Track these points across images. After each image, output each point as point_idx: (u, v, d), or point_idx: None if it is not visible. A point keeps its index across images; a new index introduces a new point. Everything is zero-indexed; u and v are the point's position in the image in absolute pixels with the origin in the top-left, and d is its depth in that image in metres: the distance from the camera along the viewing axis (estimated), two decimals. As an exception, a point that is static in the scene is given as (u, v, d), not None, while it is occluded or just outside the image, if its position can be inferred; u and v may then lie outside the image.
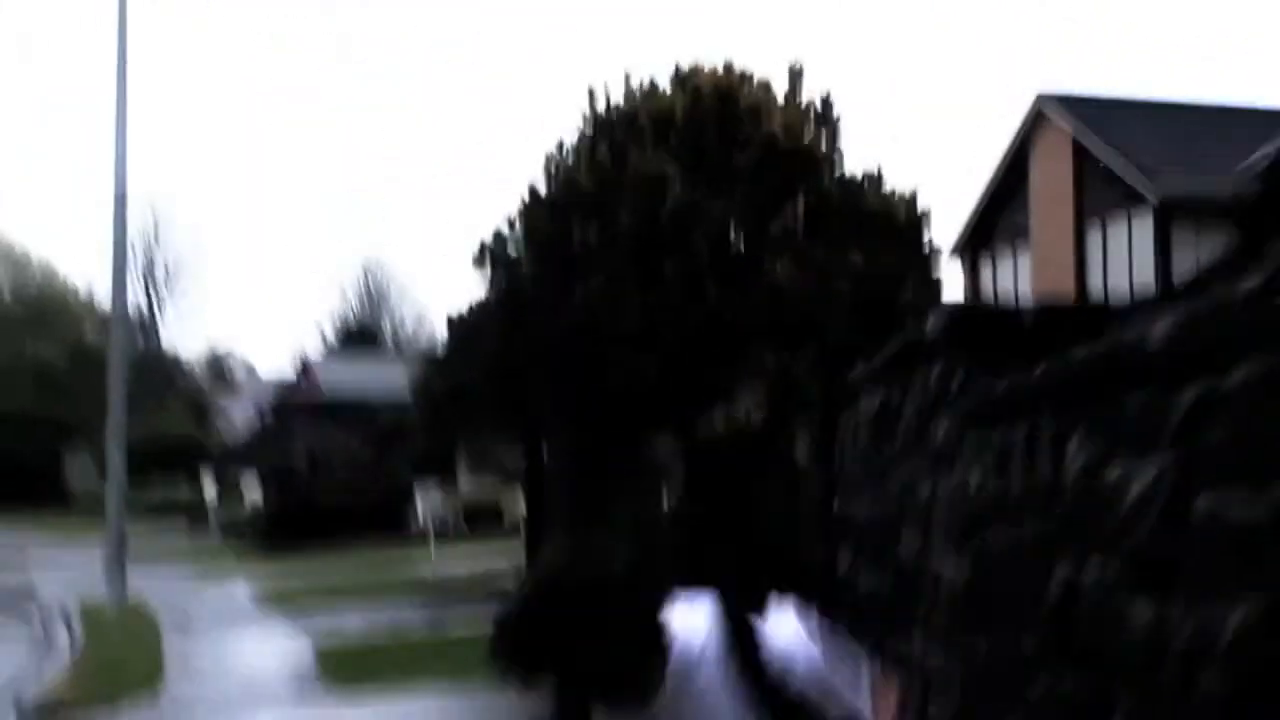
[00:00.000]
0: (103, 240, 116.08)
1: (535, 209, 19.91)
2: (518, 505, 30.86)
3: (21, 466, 59.33)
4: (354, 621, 21.69)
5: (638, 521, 17.44)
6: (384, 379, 65.63)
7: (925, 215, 19.29)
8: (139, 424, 57.38)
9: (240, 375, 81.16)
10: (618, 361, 18.37)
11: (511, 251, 20.37)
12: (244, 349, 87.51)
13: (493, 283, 20.80)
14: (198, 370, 74.67)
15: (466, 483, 38.80)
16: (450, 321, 23.15)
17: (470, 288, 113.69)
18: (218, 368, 77.16)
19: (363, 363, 69.26)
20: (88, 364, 62.11)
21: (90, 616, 22.47)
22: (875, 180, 19.43)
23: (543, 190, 20.25)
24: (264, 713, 15.04)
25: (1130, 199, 27.30)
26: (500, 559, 27.48)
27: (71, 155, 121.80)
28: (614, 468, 19.13)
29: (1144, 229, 27.07)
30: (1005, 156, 32.24)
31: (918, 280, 18.55)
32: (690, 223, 18.17)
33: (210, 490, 45.70)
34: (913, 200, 19.44)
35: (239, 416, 68.80)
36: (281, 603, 24.77)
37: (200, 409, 67.75)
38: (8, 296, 77.28)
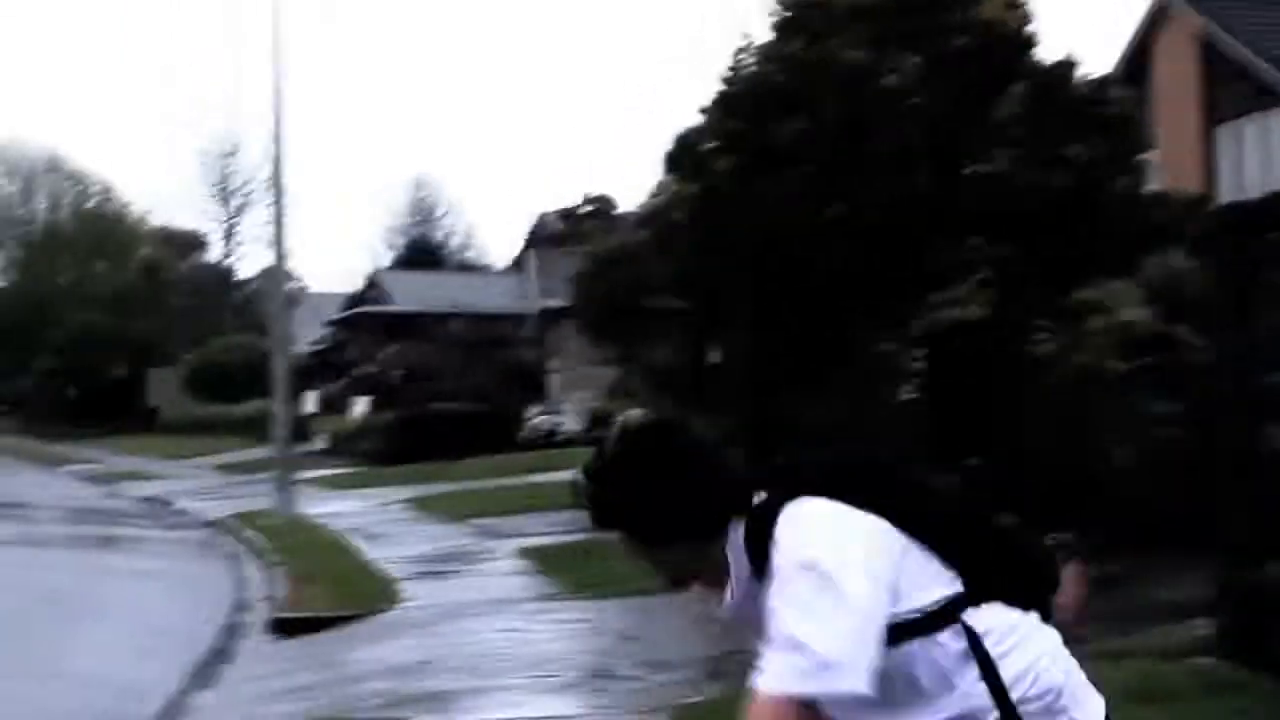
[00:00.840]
0: (160, 157, 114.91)
1: (728, 105, 19.48)
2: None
3: (103, 385, 59.47)
4: (533, 524, 21.54)
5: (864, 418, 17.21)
6: (450, 292, 65.69)
7: (1128, 101, 18.87)
8: (219, 341, 57.50)
9: (299, 291, 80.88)
10: (824, 254, 18.03)
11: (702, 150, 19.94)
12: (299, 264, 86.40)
13: (678, 184, 20.39)
14: (261, 287, 74.34)
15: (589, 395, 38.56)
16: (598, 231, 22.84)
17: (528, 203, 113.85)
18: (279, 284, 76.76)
19: (429, 277, 69.13)
20: (159, 283, 62.11)
21: (266, 529, 22.34)
22: (1072, 67, 18.99)
23: (731, 87, 19.81)
24: (513, 612, 14.84)
25: (1263, 97, 26.70)
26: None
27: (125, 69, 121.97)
28: (821, 366, 18.79)
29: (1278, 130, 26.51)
30: (1123, 57, 31.51)
31: (1130, 171, 18.17)
32: (899, 112, 17.77)
33: (309, 405, 45.51)
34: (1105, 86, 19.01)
35: (305, 333, 68.71)
36: (440, 509, 24.65)
37: (269, 326, 67.54)
38: (65, 215, 76.95)
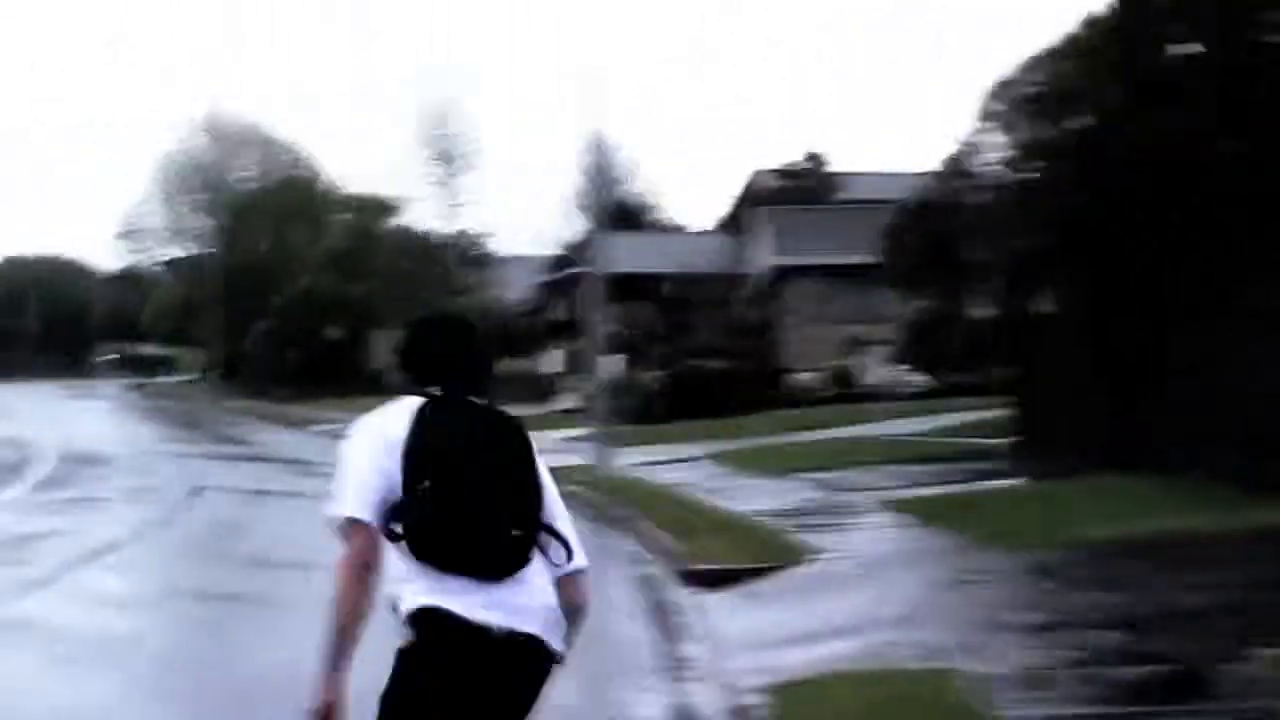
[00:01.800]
0: (361, 124, 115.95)
1: (1098, 45, 18.48)
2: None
3: (323, 348, 59.89)
4: (868, 479, 20.84)
5: None
6: (660, 253, 65.15)
7: None
8: (447, 304, 57.47)
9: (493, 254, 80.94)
10: (1220, 197, 17.00)
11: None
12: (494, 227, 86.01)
13: (1027, 134, 19.42)
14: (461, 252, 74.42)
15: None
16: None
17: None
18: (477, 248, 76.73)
19: (638, 238, 68.70)
20: (372, 248, 62.38)
21: (596, 485, 21.78)
22: None
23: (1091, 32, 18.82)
24: (942, 565, 14.06)
25: None
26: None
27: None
28: (1198, 307, 17.76)
29: None
30: None
31: None
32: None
33: (556, 364, 45.37)
34: None
35: (510, 296, 68.85)
36: (752, 464, 24.04)
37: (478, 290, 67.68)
38: (266, 184, 77.73)
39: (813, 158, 59.81)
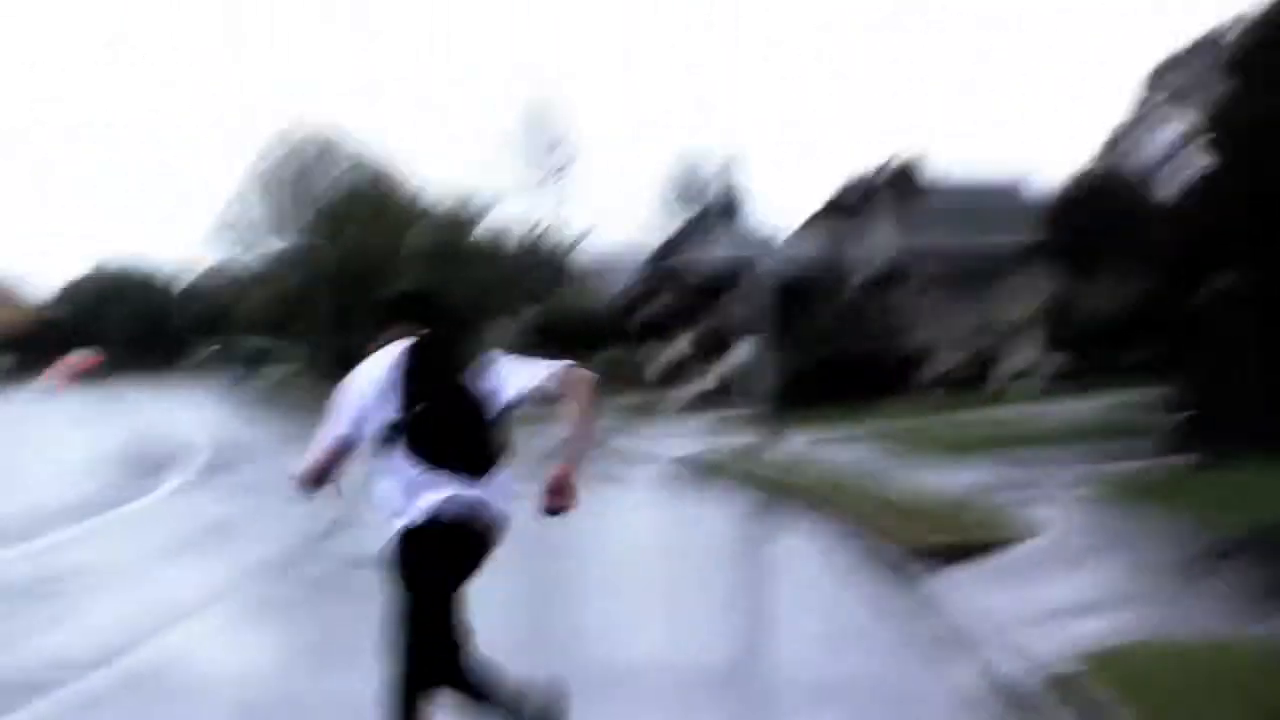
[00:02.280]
0: (441, 130, 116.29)
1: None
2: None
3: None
4: (1043, 458, 20.70)
5: None
6: (753, 248, 65.02)
7: None
8: (554, 299, 57.72)
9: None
10: None
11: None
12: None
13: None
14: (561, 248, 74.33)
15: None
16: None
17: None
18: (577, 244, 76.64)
19: (731, 234, 68.63)
20: (471, 245, 62.59)
21: (770, 467, 21.79)
22: None
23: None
24: (1150, 543, 13.94)
25: None
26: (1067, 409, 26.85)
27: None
28: None
29: None
30: None
31: None
32: None
33: (679, 353, 45.42)
34: None
35: (612, 290, 69.00)
36: (916, 446, 23.95)
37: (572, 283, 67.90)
38: (346, 192, 78.14)
39: (920, 147, 59.47)
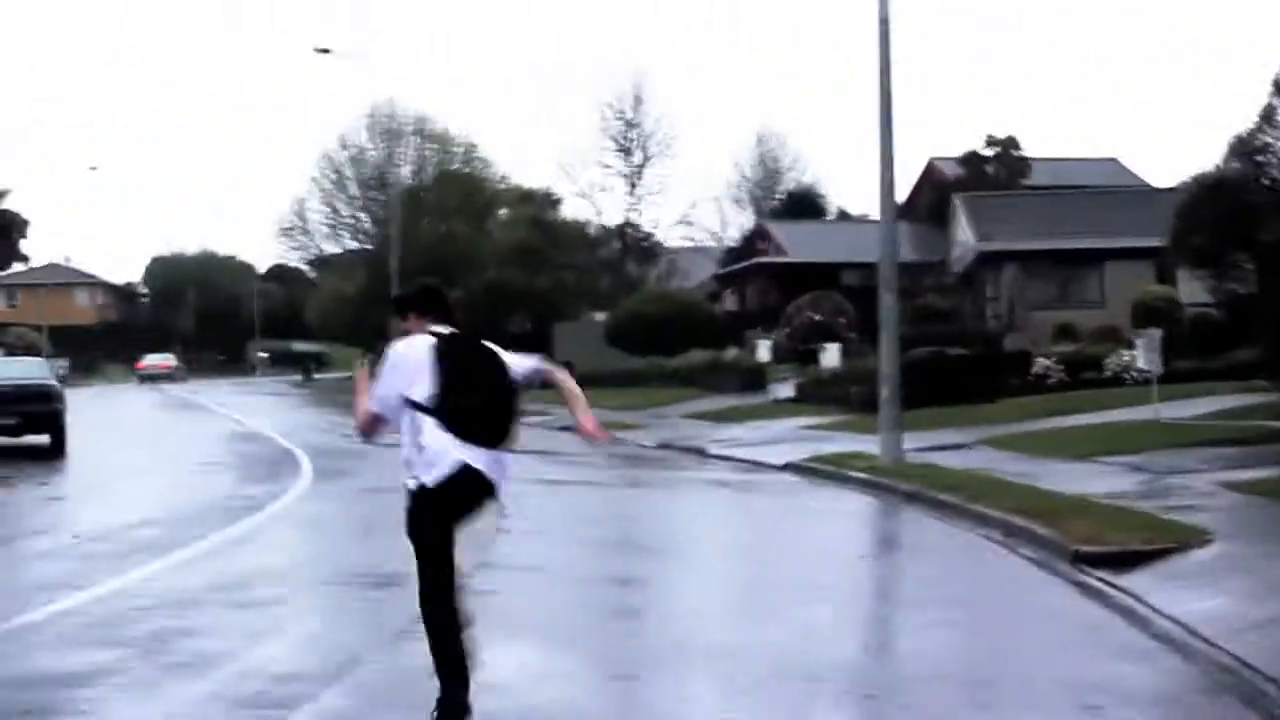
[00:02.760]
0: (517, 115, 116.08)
1: None
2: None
3: (509, 340, 60.18)
4: (1180, 462, 20.48)
5: None
6: (839, 241, 64.90)
7: None
8: (638, 295, 57.57)
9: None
10: None
11: None
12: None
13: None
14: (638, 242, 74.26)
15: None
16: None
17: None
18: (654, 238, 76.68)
19: (815, 226, 68.52)
20: (552, 239, 62.58)
21: (905, 473, 21.62)
22: None
23: None
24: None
25: None
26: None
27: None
28: None
29: None
30: None
31: None
32: None
33: (764, 353, 45.26)
34: None
35: (686, 286, 68.78)
36: (1038, 449, 23.78)
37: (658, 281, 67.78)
38: (430, 177, 78.07)
39: (1000, 143, 59.13)
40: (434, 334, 7.42)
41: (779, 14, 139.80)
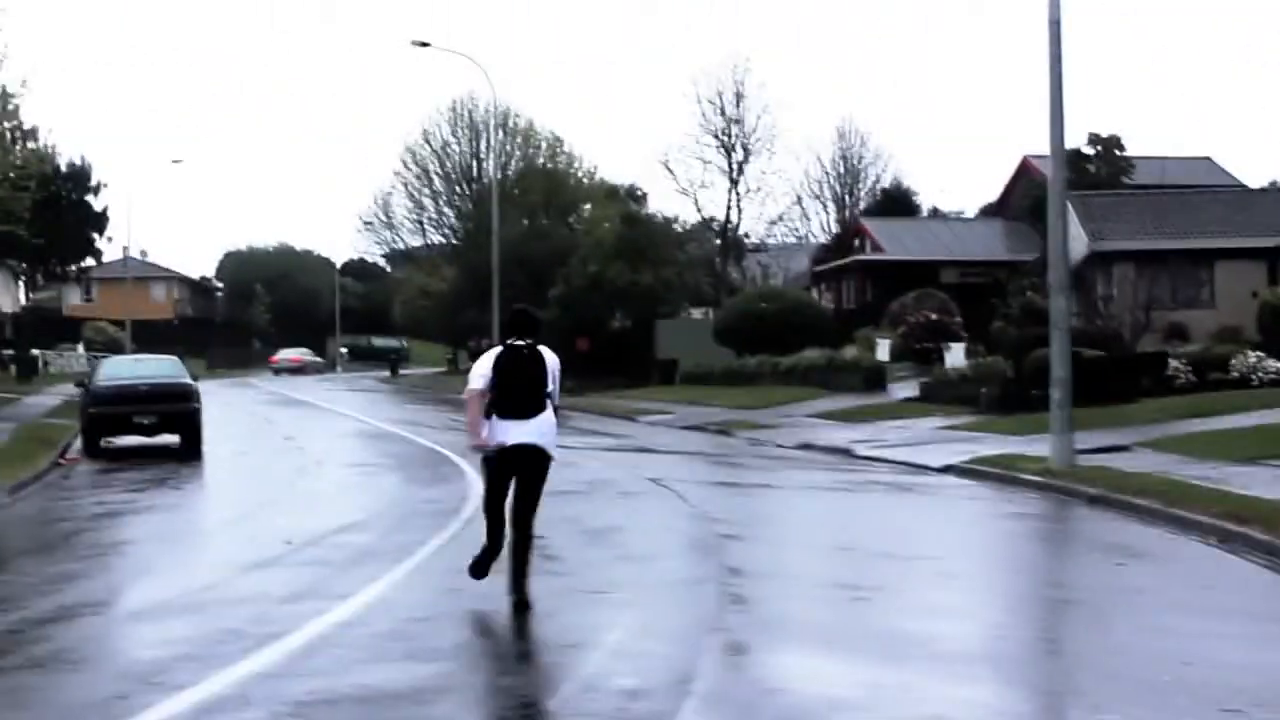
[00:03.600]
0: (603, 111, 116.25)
1: None
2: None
3: (610, 337, 60.14)
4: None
5: None
6: (936, 238, 64.58)
7: None
8: (747, 293, 57.35)
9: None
10: None
11: None
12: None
13: None
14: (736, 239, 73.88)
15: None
16: None
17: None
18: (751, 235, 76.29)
19: (910, 223, 68.17)
20: (651, 236, 62.43)
21: (1083, 476, 21.39)
22: None
23: None
24: None
25: None
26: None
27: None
28: None
29: None
30: None
31: None
32: None
33: (883, 352, 44.99)
34: None
35: (782, 284, 68.53)
36: (1203, 452, 23.48)
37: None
38: (515, 171, 77.92)
39: (1103, 141, 58.63)
40: (505, 346, 11.58)
41: (862, 10, 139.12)
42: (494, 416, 11.33)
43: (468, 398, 11.62)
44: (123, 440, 30.51)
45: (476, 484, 20.49)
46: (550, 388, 11.34)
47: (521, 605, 11.26)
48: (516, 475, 11.43)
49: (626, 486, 22.05)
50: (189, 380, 31.02)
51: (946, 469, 24.72)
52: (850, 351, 44.86)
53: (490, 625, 11.23)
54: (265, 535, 17.02)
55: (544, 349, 11.43)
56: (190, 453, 29.13)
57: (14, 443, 29.83)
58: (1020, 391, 34.29)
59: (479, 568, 11.84)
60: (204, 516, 20.03)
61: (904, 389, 40.37)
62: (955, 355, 40.51)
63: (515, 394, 11.27)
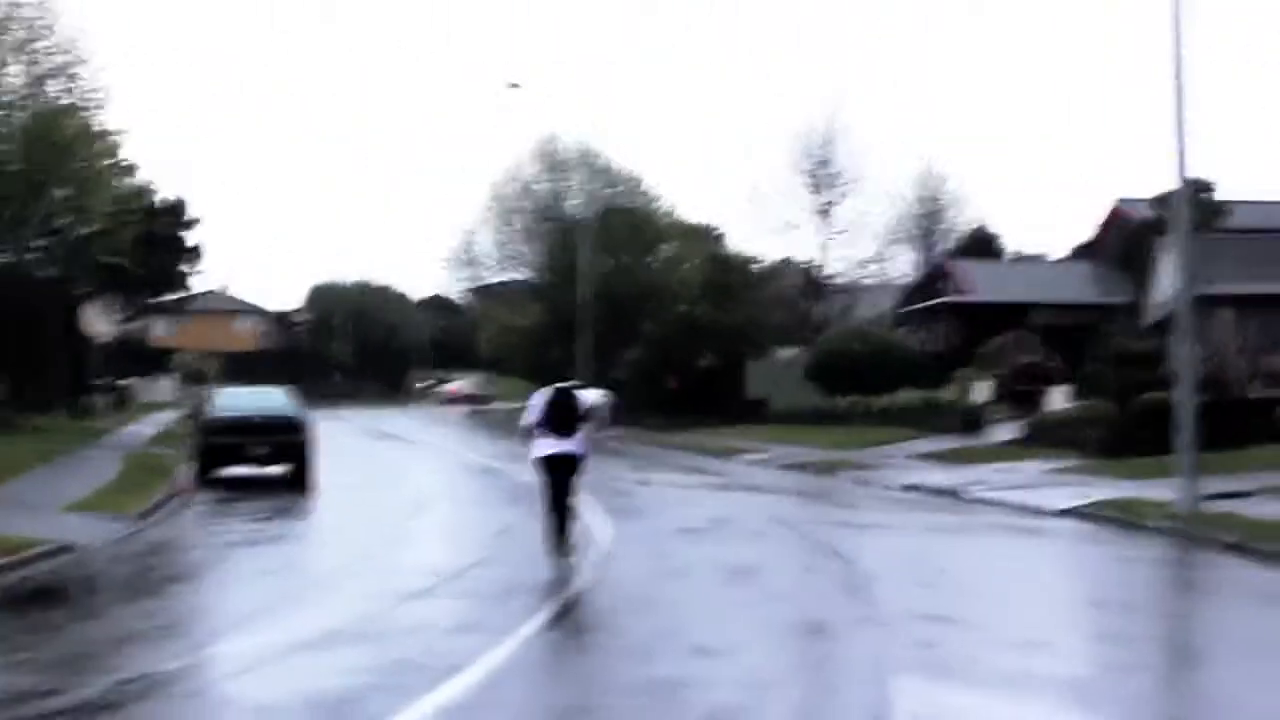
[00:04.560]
0: (687, 153, 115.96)
1: None
2: None
3: (699, 376, 60.21)
4: None
5: None
6: (1024, 281, 64.26)
7: None
8: (839, 333, 57.29)
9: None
10: None
11: None
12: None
13: None
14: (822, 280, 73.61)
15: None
16: None
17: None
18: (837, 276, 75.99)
19: (997, 266, 67.91)
20: (738, 275, 62.48)
21: (1229, 523, 21.15)
22: None
23: None
24: None
25: None
26: None
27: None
28: None
29: None
30: None
31: None
32: None
33: (982, 393, 44.82)
34: None
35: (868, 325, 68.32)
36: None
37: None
38: (597, 210, 78.01)
39: (1198, 185, 58.12)
40: (555, 389, 17.31)
41: (942, 54, 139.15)
42: (542, 436, 17.11)
43: (524, 428, 17.46)
44: (232, 470, 30.77)
45: (596, 522, 20.76)
46: (581, 412, 17.22)
47: (563, 551, 16.92)
48: (556, 473, 17.06)
49: (751, 526, 22.07)
50: (301, 412, 31.27)
51: (1065, 512, 24.56)
52: (948, 393, 44.62)
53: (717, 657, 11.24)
54: (405, 567, 17.23)
55: (579, 391, 17.60)
56: (301, 484, 29.33)
57: (128, 471, 30.23)
58: (1127, 435, 34.11)
59: (548, 539, 17.09)
60: (336, 547, 20.15)
61: (1002, 431, 40.18)
62: (1056, 398, 40.28)
63: (559, 421, 17.09)
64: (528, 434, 17.16)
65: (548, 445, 16.95)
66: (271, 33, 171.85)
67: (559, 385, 17.34)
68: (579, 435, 17.01)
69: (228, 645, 11.73)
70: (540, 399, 17.17)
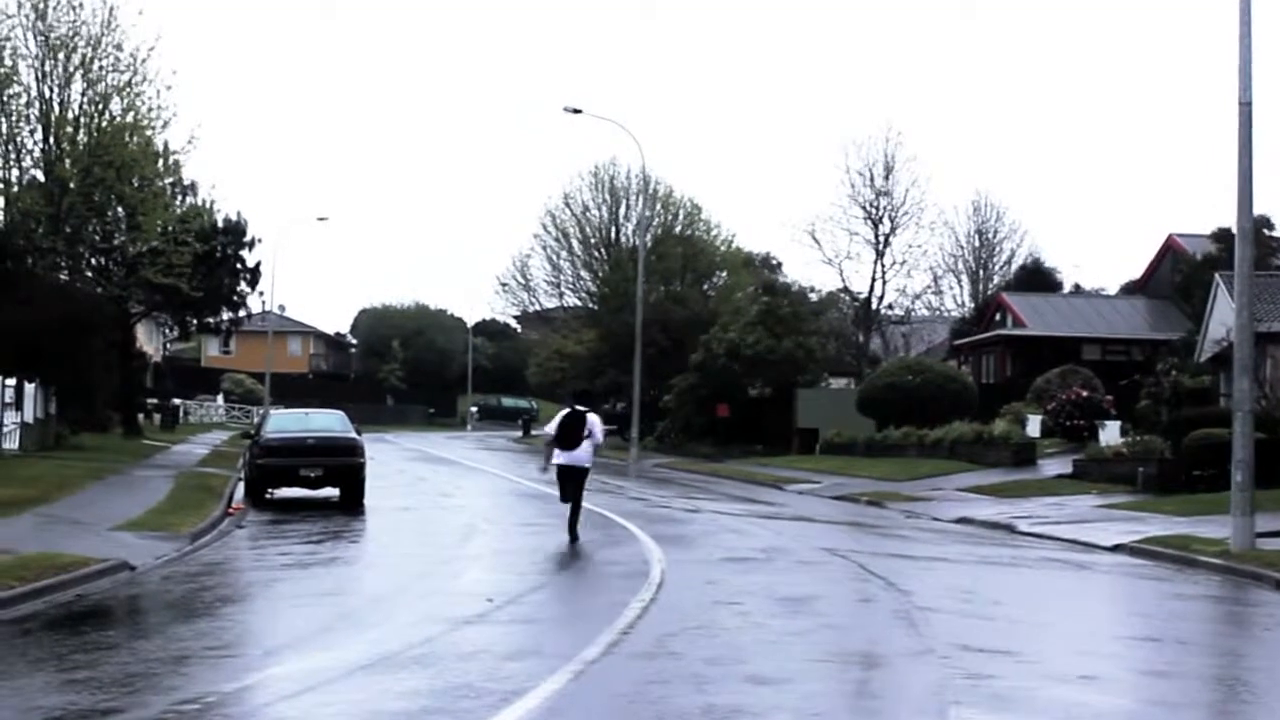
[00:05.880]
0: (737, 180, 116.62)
1: None
2: None
3: (748, 405, 60.16)
4: None
5: None
6: (1078, 315, 63.97)
7: None
8: (892, 363, 57.14)
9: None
10: None
11: None
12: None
13: None
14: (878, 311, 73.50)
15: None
16: None
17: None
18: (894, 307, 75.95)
19: (1051, 299, 67.66)
20: (791, 304, 62.44)
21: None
22: None
23: None
24: None
25: None
26: None
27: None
28: None
29: None
30: None
31: None
32: None
33: (1034, 428, 44.66)
34: None
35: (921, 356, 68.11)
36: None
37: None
38: (654, 237, 78.10)
39: (1256, 221, 57.80)
40: (569, 409, 22.72)
41: (995, 87, 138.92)
42: (555, 448, 22.50)
43: (544, 439, 23.52)
44: (284, 491, 30.94)
45: (652, 548, 20.81)
46: (585, 432, 22.41)
47: (573, 539, 22.30)
48: (568, 479, 22.42)
49: (802, 555, 22.03)
50: (354, 435, 31.42)
51: (1117, 548, 24.46)
52: (999, 426, 44.45)
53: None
54: (460, 591, 17.25)
55: (589, 414, 22.71)
56: (353, 506, 29.46)
57: (181, 491, 30.43)
58: (1180, 472, 33.93)
59: (570, 530, 22.56)
60: (390, 571, 20.18)
61: (1054, 465, 40.03)
62: (1110, 433, 40.09)
63: (568, 437, 22.38)
64: (547, 444, 23.09)
65: (559, 456, 22.52)
66: (326, 57, 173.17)
67: (573, 409, 22.77)
68: (583, 449, 22.43)
69: (284, 667, 11.80)
70: (558, 418, 22.79)
